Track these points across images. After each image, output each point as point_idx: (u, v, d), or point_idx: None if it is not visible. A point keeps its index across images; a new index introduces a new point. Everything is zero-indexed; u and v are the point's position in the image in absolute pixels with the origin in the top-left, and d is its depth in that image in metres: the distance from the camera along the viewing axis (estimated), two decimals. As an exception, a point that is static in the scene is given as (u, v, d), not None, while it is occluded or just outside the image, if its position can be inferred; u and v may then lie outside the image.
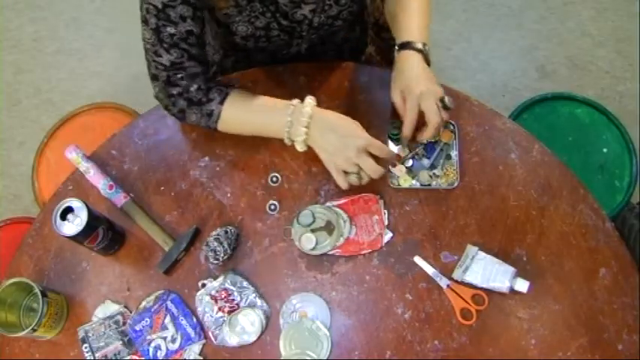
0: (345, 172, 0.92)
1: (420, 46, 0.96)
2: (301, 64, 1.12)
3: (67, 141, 1.29)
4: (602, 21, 2.09)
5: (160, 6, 0.87)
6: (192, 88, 0.96)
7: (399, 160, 1.03)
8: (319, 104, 1.08)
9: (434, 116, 0.93)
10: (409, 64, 0.96)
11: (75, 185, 1.06)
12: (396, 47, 0.99)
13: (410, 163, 1.03)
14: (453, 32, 2.09)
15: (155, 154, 1.07)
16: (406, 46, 0.97)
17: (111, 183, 1.02)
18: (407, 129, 0.96)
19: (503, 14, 2.12)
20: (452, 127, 1.05)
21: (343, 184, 0.93)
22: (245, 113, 0.97)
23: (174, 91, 0.96)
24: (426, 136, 0.96)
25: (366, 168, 0.90)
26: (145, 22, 0.90)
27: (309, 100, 0.93)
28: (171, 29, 0.89)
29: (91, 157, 1.06)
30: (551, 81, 2.01)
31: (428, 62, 0.97)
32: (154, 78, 0.96)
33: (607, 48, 2.05)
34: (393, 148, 1.04)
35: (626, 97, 1.97)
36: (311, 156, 1.04)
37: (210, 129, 0.99)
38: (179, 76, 0.95)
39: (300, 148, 0.94)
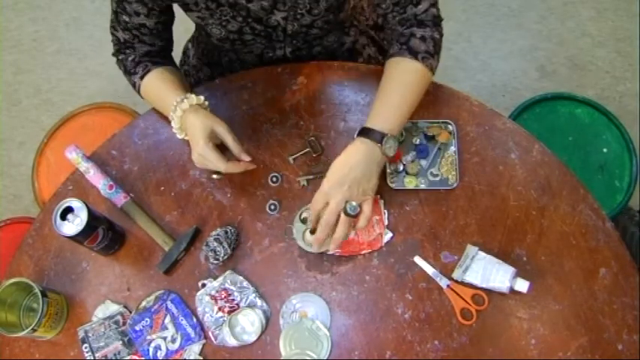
0: None
1: (375, 135, 0.90)
2: (301, 64, 1.12)
3: (67, 141, 1.29)
4: (602, 21, 2.09)
5: None
6: (129, 58, 1.07)
7: (396, 160, 1.03)
8: (319, 104, 1.08)
9: (324, 221, 0.90)
10: (350, 154, 0.90)
11: (75, 185, 1.06)
12: (357, 131, 0.94)
13: (410, 159, 1.03)
14: (452, 32, 2.09)
15: (155, 154, 1.07)
16: (363, 132, 0.92)
17: (111, 183, 1.02)
18: (312, 224, 0.93)
19: (503, 14, 2.12)
20: (450, 128, 1.05)
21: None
22: (152, 92, 1.06)
23: (120, 56, 1.08)
24: (315, 239, 0.92)
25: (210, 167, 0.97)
26: (111, 0, 0.99)
27: (192, 96, 0.97)
28: (125, 18, 0.99)
29: (91, 157, 1.06)
30: (551, 81, 2.01)
31: (386, 154, 0.91)
32: (112, 41, 1.08)
33: (607, 48, 2.05)
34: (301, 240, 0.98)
35: (626, 97, 1.97)
36: (311, 157, 1.05)
37: (156, 118, 1.10)
38: (128, 52, 1.07)
39: (177, 135, 1.01)
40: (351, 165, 0.90)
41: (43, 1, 2.24)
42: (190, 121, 0.96)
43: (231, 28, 1.00)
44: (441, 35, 1.00)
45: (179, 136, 1.01)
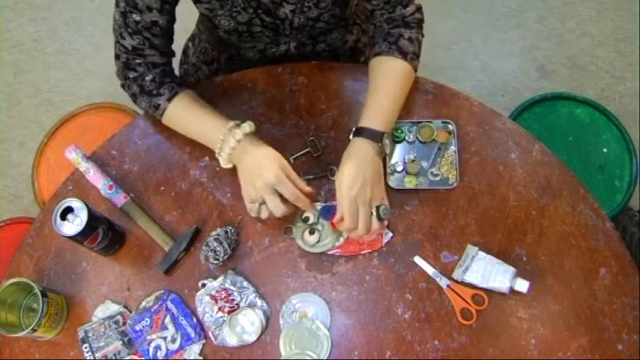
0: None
1: (376, 135, 0.92)
2: (301, 64, 1.12)
3: (67, 141, 1.29)
4: (602, 21, 2.09)
5: None
6: (147, 77, 1.00)
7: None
8: (319, 104, 1.08)
9: (361, 228, 0.90)
10: (358, 156, 0.91)
11: (75, 185, 1.06)
12: (353, 130, 0.95)
13: (400, 167, 1.03)
14: (452, 32, 2.09)
15: (155, 154, 1.07)
16: (360, 132, 0.93)
17: (111, 183, 1.02)
18: (342, 228, 0.92)
19: (503, 14, 2.12)
20: (450, 128, 1.05)
21: (250, 211, 0.94)
22: (187, 117, 1.00)
23: (131, 75, 1.01)
24: (352, 235, 0.93)
25: (268, 203, 0.91)
26: (116, 4, 0.94)
27: (245, 124, 0.94)
28: (136, 16, 0.94)
29: (91, 157, 1.06)
30: (551, 81, 2.01)
31: (382, 153, 0.94)
32: (116, 57, 1.02)
33: (607, 48, 2.05)
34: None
35: (626, 97, 1.98)
36: (311, 157, 1.05)
37: (155, 119, 1.04)
38: (137, 61, 1.00)
39: (223, 164, 0.96)
40: (365, 164, 0.91)
41: (43, 1, 2.24)
42: (254, 148, 0.92)
43: (241, 19, 1.00)
44: (423, 37, 1.04)
45: (224, 165, 0.97)
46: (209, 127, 0.97)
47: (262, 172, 0.89)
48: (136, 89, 1.01)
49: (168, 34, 1.00)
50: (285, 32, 1.06)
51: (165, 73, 1.02)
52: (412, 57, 1.00)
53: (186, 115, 1.00)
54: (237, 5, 0.97)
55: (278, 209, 0.90)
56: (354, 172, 0.89)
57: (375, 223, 0.91)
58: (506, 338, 0.93)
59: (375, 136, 0.93)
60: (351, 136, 0.95)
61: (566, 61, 2.04)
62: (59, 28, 2.20)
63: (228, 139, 0.93)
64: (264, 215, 0.93)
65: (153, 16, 0.94)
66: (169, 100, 0.99)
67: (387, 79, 0.99)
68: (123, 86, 1.04)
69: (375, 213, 0.91)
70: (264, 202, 0.91)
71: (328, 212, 0.97)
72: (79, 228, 0.90)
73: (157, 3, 0.93)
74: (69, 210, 0.91)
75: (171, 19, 0.99)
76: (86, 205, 0.91)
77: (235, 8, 0.97)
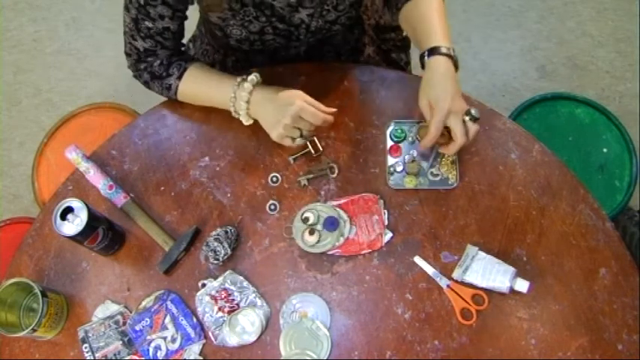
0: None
1: (449, 50, 0.94)
2: (301, 64, 1.12)
3: (67, 141, 1.29)
4: (602, 21, 2.09)
5: (142, 2, 0.91)
6: (155, 63, 1.03)
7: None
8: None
9: (461, 136, 0.91)
10: (439, 72, 0.93)
11: (75, 185, 1.06)
12: (426, 52, 0.95)
13: (400, 167, 1.03)
14: (453, 32, 2.07)
15: (155, 154, 1.07)
16: (435, 51, 0.94)
17: (111, 183, 1.02)
18: (428, 141, 0.93)
19: (503, 14, 2.12)
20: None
21: (291, 144, 0.96)
22: (198, 88, 1.02)
23: (142, 66, 1.04)
24: (450, 151, 0.95)
25: (304, 128, 0.94)
26: (126, 8, 0.95)
27: (251, 76, 0.96)
28: (148, 24, 0.95)
29: (91, 157, 1.06)
30: (551, 81, 2.01)
31: (456, 66, 0.96)
32: (127, 54, 1.04)
33: (607, 48, 2.05)
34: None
35: (626, 97, 1.98)
36: (311, 157, 1.05)
37: (171, 99, 1.06)
38: (150, 59, 1.03)
39: (244, 121, 0.98)
40: (450, 77, 0.93)
41: (43, 1, 2.24)
42: (268, 93, 0.94)
43: (252, 28, 1.00)
44: None
45: (246, 122, 0.99)
46: (218, 89, 0.99)
47: (286, 108, 0.91)
48: (147, 77, 1.04)
49: (179, 35, 1.02)
50: (298, 37, 1.06)
51: (172, 54, 1.03)
52: None
53: (196, 86, 1.02)
54: (250, 14, 0.97)
55: (317, 119, 0.92)
56: (444, 87, 0.91)
57: (472, 125, 0.92)
58: (506, 338, 0.93)
59: (448, 52, 0.94)
60: (425, 58, 0.95)
61: (566, 61, 2.04)
62: (59, 28, 2.20)
63: (239, 94, 0.95)
64: (303, 141, 0.97)
65: (165, 23, 0.96)
66: (179, 77, 1.01)
67: (432, 8, 0.99)
68: (136, 77, 1.07)
69: (468, 117, 0.92)
70: (297, 135, 0.94)
71: (331, 224, 0.97)
72: (79, 228, 0.90)
73: (169, 12, 0.94)
74: (69, 210, 0.91)
75: (182, 22, 1.00)
76: (86, 205, 0.91)
77: (247, 17, 0.97)
